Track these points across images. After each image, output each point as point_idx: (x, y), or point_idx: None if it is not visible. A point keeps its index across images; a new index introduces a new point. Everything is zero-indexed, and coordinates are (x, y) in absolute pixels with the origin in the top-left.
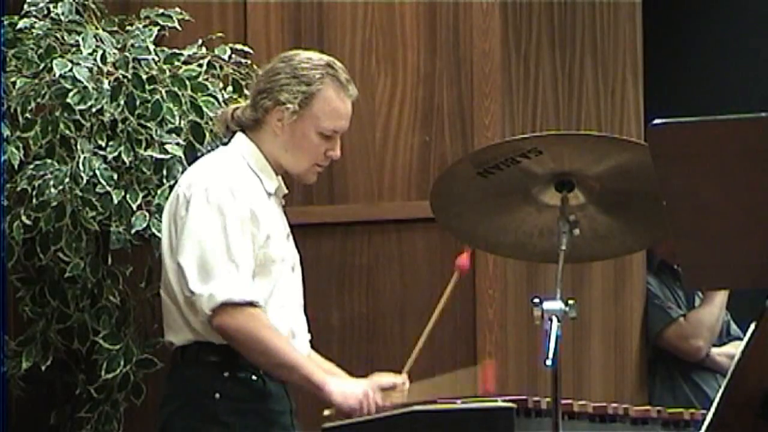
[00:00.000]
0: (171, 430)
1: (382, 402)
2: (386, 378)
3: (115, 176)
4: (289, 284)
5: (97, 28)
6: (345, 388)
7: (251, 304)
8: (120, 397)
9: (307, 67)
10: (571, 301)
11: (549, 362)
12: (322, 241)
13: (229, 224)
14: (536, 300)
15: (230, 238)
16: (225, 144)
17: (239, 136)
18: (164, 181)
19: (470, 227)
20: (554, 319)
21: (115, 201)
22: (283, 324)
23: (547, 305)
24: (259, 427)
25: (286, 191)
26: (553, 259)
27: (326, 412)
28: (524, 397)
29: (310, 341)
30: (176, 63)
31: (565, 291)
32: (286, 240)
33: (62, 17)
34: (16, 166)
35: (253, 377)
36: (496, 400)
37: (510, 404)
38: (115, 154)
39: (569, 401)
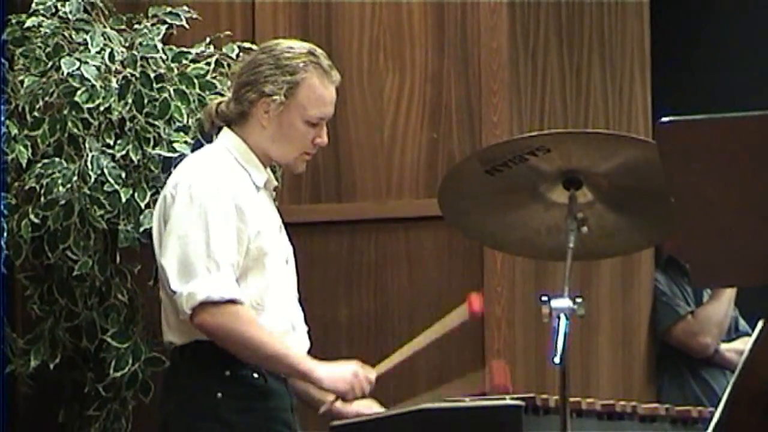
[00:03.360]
0: (172, 430)
1: (371, 383)
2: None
3: (123, 174)
4: (283, 277)
5: (105, 27)
6: (333, 373)
7: (232, 301)
8: (128, 395)
9: (289, 56)
10: (579, 299)
11: (557, 360)
12: (330, 239)
13: (212, 221)
14: (544, 297)
15: (211, 236)
16: (210, 141)
17: (225, 132)
18: None
19: (478, 225)
20: (562, 316)
21: (123, 199)
22: (282, 316)
23: (555, 303)
24: (262, 425)
25: (277, 184)
26: (561, 256)
27: (322, 409)
28: (532, 394)
29: (311, 336)
30: (184, 61)
31: (573, 288)
32: (278, 232)
33: (70, 16)
34: (24, 165)
35: (255, 375)
36: (504, 398)
37: (518, 402)
38: (123, 152)
39: (577, 399)
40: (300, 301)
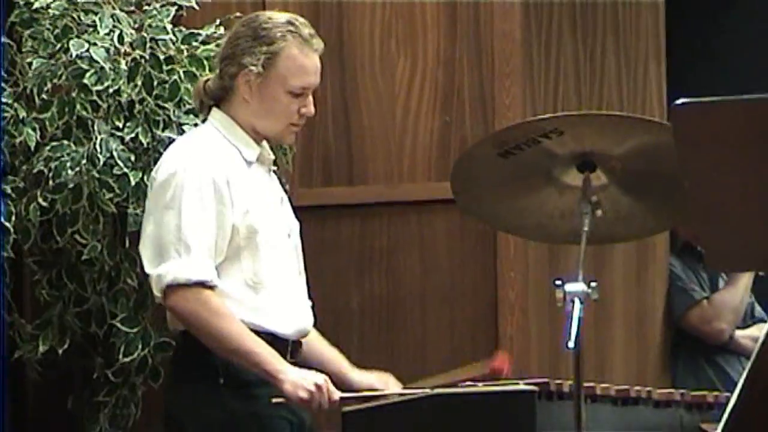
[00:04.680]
0: (176, 416)
1: (336, 399)
2: (380, 380)
3: (133, 158)
4: (283, 252)
5: (114, 8)
6: (297, 379)
7: (201, 284)
8: (138, 380)
9: (267, 27)
10: (593, 283)
11: (571, 344)
12: (341, 224)
13: (186, 204)
14: (558, 282)
15: (184, 219)
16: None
17: (213, 111)
18: None
19: (491, 209)
20: (576, 301)
21: (133, 183)
22: (281, 293)
23: (569, 287)
24: (264, 412)
25: (273, 157)
26: (574, 240)
27: (275, 400)
28: (546, 379)
29: (321, 323)
30: (194, 43)
31: (587, 273)
32: (279, 206)
33: None
34: (32, 148)
35: None
36: (518, 383)
37: (531, 387)
38: (133, 135)
39: (591, 384)
40: (307, 279)
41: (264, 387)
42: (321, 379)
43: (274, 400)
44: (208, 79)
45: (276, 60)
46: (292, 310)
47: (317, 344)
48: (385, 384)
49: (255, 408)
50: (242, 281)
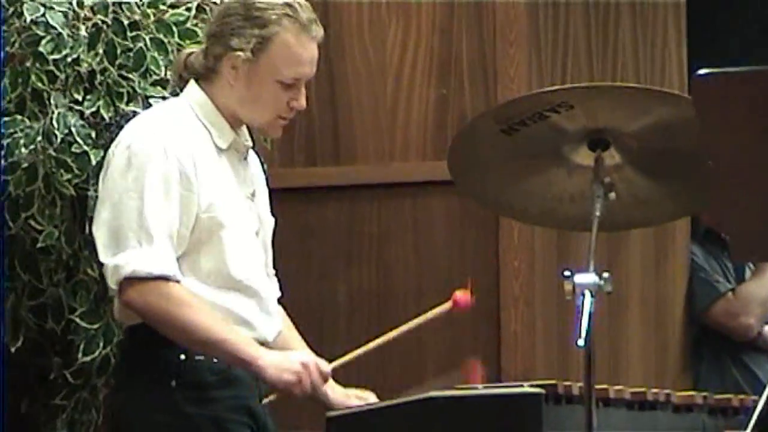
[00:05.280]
0: (123, 424)
1: (325, 376)
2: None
3: (93, 134)
4: (249, 252)
5: None
6: (279, 361)
7: (163, 278)
8: (99, 382)
9: (262, 6)
10: (606, 274)
11: (581, 342)
12: (327, 207)
13: (148, 187)
14: (567, 272)
15: (146, 204)
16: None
17: (191, 85)
18: None
19: (493, 191)
20: (587, 293)
21: (94, 162)
22: (243, 297)
23: (580, 278)
24: (225, 416)
25: (250, 144)
26: (585, 226)
27: (265, 401)
28: (554, 381)
29: (304, 318)
30: (161, 7)
31: (599, 263)
32: (249, 201)
33: None
34: None
35: (214, 360)
36: (523, 385)
37: (538, 390)
38: (94, 109)
39: (604, 387)
40: (288, 270)
41: (223, 389)
42: (305, 355)
43: (265, 401)
44: (191, 53)
45: (268, 46)
46: (254, 317)
47: (289, 344)
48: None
49: (213, 412)
50: (199, 280)
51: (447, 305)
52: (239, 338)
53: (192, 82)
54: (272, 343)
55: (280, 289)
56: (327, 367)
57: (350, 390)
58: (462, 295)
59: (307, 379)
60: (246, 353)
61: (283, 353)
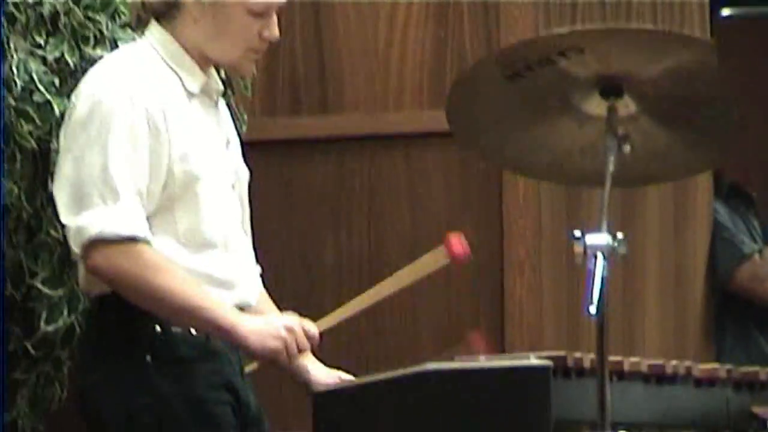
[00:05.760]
0: (92, 404)
1: (313, 340)
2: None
3: (57, 81)
4: (226, 206)
5: None
6: (261, 327)
7: (132, 239)
8: (63, 354)
9: None
10: (620, 235)
11: (593, 310)
12: (313, 162)
13: (113, 140)
14: (577, 233)
15: (111, 158)
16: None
17: (152, 26)
18: None
19: (495, 143)
20: (599, 256)
21: (57, 112)
22: (222, 256)
23: (591, 240)
24: (201, 394)
25: (221, 88)
26: (597, 182)
27: (247, 369)
28: (563, 353)
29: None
30: None
31: (613, 222)
32: (224, 149)
33: None
34: None
35: (192, 331)
36: (528, 357)
37: (546, 362)
38: (57, 54)
39: (618, 358)
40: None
41: (202, 363)
42: (289, 319)
43: (247, 369)
44: None
45: None
46: (235, 277)
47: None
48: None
49: (191, 390)
50: (174, 239)
51: (442, 255)
52: (217, 305)
53: (153, 22)
54: (254, 307)
55: (260, 251)
56: (314, 328)
57: (333, 371)
58: (456, 241)
59: (293, 345)
60: (225, 320)
61: (263, 318)
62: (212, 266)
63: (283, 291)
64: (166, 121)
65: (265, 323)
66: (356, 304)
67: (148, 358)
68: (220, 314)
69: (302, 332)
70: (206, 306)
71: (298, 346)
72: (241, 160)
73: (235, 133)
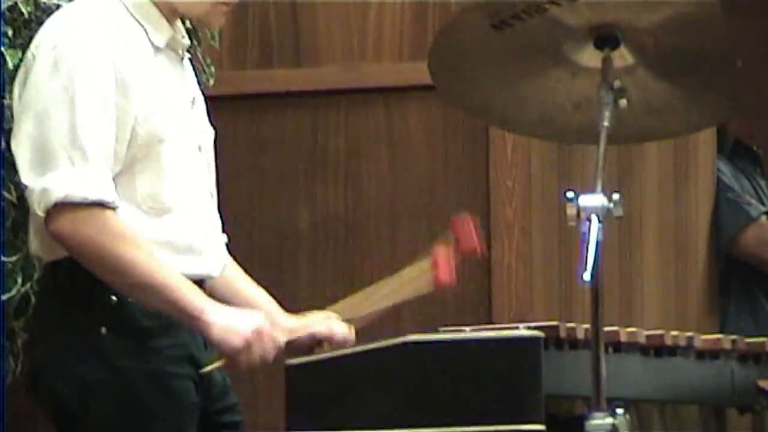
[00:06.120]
0: (45, 379)
1: (278, 348)
2: (322, 323)
3: (10, 32)
4: (193, 169)
5: None
6: (229, 321)
7: (100, 204)
8: (17, 325)
9: None
10: (616, 196)
11: (587, 277)
12: (286, 117)
13: (80, 96)
14: (570, 194)
15: (79, 116)
16: None
17: None
18: None
19: (482, 97)
20: (594, 218)
21: (11, 64)
22: (190, 223)
23: (585, 201)
24: (165, 369)
25: (188, 42)
26: (592, 139)
27: (207, 368)
28: (555, 323)
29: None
30: None
31: (609, 182)
32: (189, 108)
33: None
34: None
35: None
36: (518, 328)
37: (536, 333)
38: (10, 2)
39: (614, 329)
40: (219, 206)
41: (163, 336)
42: (260, 319)
43: (206, 369)
44: None
45: None
46: (198, 245)
47: (234, 283)
48: (329, 329)
49: (150, 365)
50: (135, 205)
51: (428, 280)
52: (183, 285)
53: None
54: (217, 279)
55: (228, 216)
56: (282, 338)
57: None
58: (443, 263)
59: (256, 349)
60: (190, 304)
61: (236, 312)
62: (172, 233)
63: (252, 260)
64: (132, 77)
65: (234, 318)
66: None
67: (104, 329)
68: (185, 296)
69: (270, 340)
70: (171, 285)
71: (261, 353)
72: (206, 119)
73: (199, 90)
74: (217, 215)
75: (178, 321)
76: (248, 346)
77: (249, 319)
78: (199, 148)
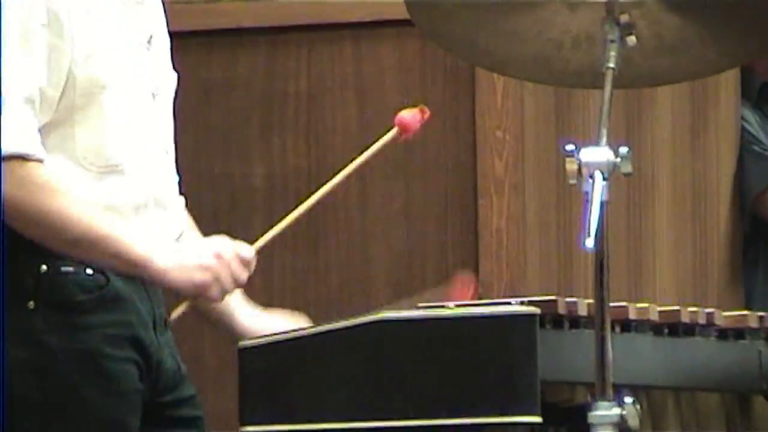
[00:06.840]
0: None
1: (248, 265)
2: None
3: None
4: (146, 120)
5: None
6: (184, 259)
7: (20, 157)
8: None
9: None
10: (623, 149)
11: (590, 243)
12: (239, 57)
13: (4, 31)
14: (570, 147)
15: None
16: None
17: None
18: None
19: (466, 33)
20: (598, 175)
21: None
22: (140, 181)
23: (587, 155)
24: (100, 350)
25: None
26: (595, 82)
27: (174, 315)
28: (552, 297)
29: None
30: None
31: (615, 134)
32: (143, 49)
33: None
34: None
35: (88, 272)
36: (510, 303)
37: (530, 309)
38: None
39: (622, 304)
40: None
41: (99, 313)
42: (216, 243)
43: (173, 315)
44: None
45: None
46: (149, 211)
47: None
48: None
49: (83, 344)
50: (75, 161)
51: (391, 133)
52: (126, 233)
53: None
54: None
55: (177, 170)
56: (250, 251)
57: (271, 312)
58: (409, 116)
59: (226, 274)
60: (135, 253)
61: (186, 246)
62: (118, 196)
63: (200, 221)
64: (69, 12)
65: (188, 254)
66: (294, 214)
67: (31, 303)
68: (129, 245)
69: (236, 257)
70: (112, 235)
71: (232, 276)
72: (169, 61)
73: (163, 26)
74: (175, 174)
75: (128, 275)
76: (215, 274)
77: (204, 247)
78: (153, 96)
